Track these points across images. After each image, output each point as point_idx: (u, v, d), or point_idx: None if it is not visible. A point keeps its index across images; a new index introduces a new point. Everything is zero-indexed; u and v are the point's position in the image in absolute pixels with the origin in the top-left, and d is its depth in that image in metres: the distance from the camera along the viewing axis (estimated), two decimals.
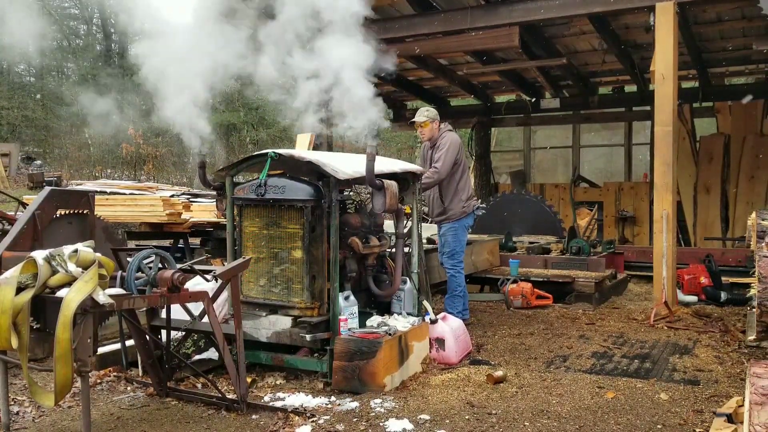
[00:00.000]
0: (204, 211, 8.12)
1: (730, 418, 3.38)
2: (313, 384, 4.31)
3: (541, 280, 7.32)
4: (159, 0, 4.19)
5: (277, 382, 4.37)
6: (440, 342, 4.78)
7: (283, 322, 4.33)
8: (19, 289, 3.17)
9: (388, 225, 5.18)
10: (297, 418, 3.66)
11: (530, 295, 6.91)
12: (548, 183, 13.50)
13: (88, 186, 9.72)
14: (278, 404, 3.90)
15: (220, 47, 4.41)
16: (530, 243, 9.04)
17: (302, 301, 4.27)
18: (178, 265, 3.77)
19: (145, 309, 4.11)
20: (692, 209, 11.15)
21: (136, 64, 4.11)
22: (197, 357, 4.74)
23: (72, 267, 3.23)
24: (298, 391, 4.15)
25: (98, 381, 4.35)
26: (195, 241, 8.81)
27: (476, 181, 13.02)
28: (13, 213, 6.26)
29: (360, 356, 4.13)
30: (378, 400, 3.94)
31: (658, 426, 3.55)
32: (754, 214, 5.03)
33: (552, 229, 9.68)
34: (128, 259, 4.04)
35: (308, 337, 4.19)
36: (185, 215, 7.82)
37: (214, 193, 4.84)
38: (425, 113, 6.01)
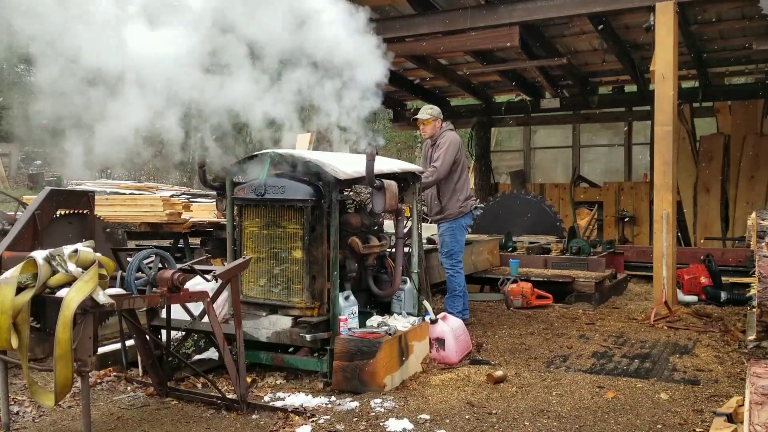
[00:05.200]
0: (204, 211, 8.12)
1: (730, 418, 3.38)
2: (313, 384, 4.31)
3: (541, 280, 7.32)
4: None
5: (277, 382, 4.37)
6: (440, 342, 4.79)
7: (283, 322, 4.33)
8: (19, 289, 3.17)
9: (388, 225, 5.18)
10: (297, 418, 3.66)
11: (530, 295, 6.92)
12: (548, 183, 13.50)
13: (88, 186, 9.71)
14: (278, 404, 3.90)
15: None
16: (530, 243, 9.05)
17: (302, 301, 4.27)
18: (178, 265, 3.77)
19: (145, 309, 4.10)
20: (692, 209, 11.14)
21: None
22: (197, 357, 4.73)
23: (72, 267, 3.23)
24: (298, 391, 4.15)
25: (98, 381, 4.35)
26: (195, 241, 8.81)
27: (476, 181, 13.02)
28: (13, 213, 6.27)
29: (360, 356, 4.13)
30: (378, 400, 3.94)
31: (658, 426, 3.55)
32: (754, 214, 5.03)
33: (552, 229, 9.68)
34: (128, 259, 4.04)
35: (308, 337, 4.19)
36: (185, 215, 7.82)
37: (214, 193, 4.84)
38: (428, 111, 6.06)
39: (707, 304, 6.98)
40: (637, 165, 13.27)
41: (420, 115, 6.09)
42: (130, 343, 4.28)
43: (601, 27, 8.07)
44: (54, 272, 3.23)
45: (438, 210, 6.07)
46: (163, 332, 4.21)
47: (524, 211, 9.96)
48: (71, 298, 3.00)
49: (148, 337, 4.02)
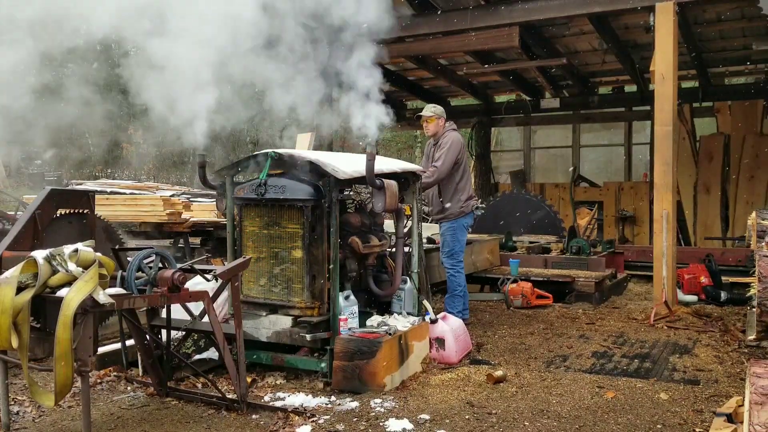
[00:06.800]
0: (204, 211, 8.11)
1: (730, 418, 3.38)
2: (313, 384, 4.31)
3: (541, 279, 7.32)
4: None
5: (277, 382, 4.37)
6: (440, 342, 4.78)
7: (284, 322, 4.33)
8: (20, 289, 3.17)
9: (389, 225, 5.18)
10: (297, 417, 3.66)
11: (530, 294, 6.92)
12: (548, 183, 13.51)
13: (88, 185, 9.71)
14: (278, 404, 3.90)
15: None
16: (530, 243, 9.05)
17: (302, 300, 4.27)
18: (179, 265, 3.76)
19: (145, 309, 4.10)
20: (692, 209, 11.15)
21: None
22: (197, 357, 4.74)
23: (72, 266, 3.23)
24: (298, 391, 4.15)
25: (98, 381, 4.35)
26: (195, 241, 8.80)
27: (476, 181, 13.03)
28: (13, 213, 6.27)
29: (360, 356, 4.13)
30: (378, 400, 3.94)
31: (658, 426, 3.55)
32: (754, 214, 5.04)
33: (552, 228, 9.69)
34: (128, 258, 4.04)
35: (308, 336, 4.19)
36: (185, 215, 7.81)
37: (214, 192, 4.84)
38: (432, 109, 6.12)
39: (707, 304, 6.98)
40: (637, 165, 13.28)
41: (424, 113, 6.15)
42: (130, 343, 4.28)
43: (598, 26, 8.07)
44: (54, 272, 3.23)
45: (439, 209, 6.08)
46: (163, 332, 4.21)
47: (524, 211, 9.97)
48: (71, 297, 3.00)
49: (148, 337, 4.02)
